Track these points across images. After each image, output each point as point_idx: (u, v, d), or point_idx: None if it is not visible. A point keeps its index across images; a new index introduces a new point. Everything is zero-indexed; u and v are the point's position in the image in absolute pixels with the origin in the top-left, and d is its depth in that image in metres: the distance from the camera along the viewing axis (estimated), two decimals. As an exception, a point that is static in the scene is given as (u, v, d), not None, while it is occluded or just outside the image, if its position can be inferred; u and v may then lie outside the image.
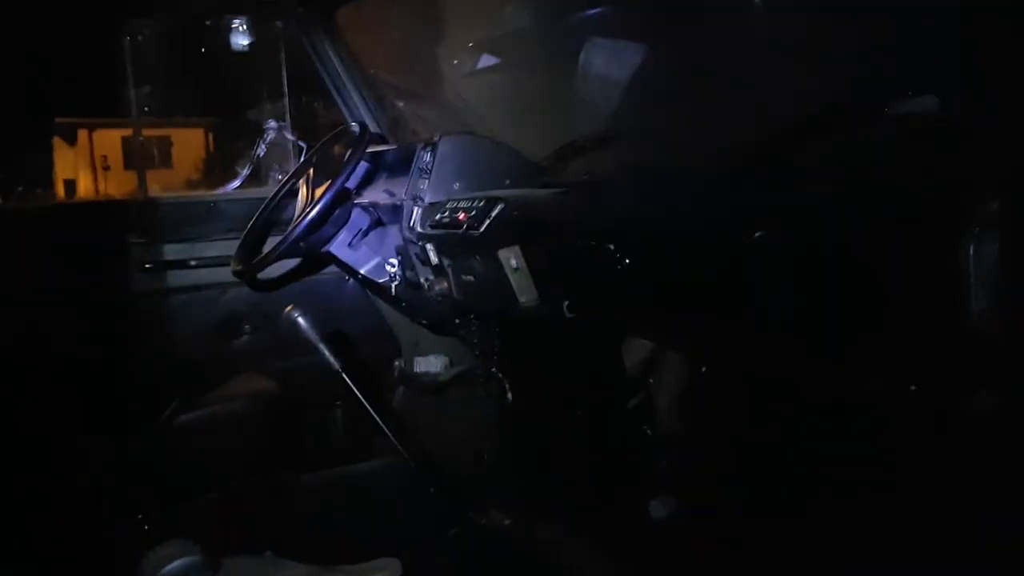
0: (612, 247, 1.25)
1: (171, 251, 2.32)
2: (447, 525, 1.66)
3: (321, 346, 1.68)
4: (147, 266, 2.28)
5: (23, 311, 1.99)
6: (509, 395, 1.92)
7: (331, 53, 2.31)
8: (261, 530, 1.78)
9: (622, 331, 1.44)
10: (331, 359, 1.68)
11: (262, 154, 2.37)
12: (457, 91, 2.43)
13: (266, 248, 2.07)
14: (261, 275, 2.09)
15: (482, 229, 1.48)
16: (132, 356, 2.19)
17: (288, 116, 2.78)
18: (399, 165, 1.95)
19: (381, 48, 2.41)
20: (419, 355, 2.53)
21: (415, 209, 1.75)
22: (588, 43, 1.82)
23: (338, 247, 1.97)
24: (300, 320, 1.69)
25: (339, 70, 2.32)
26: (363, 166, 2.03)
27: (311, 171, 2.08)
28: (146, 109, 2.64)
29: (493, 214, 1.48)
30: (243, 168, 2.68)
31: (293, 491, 1.86)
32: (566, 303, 1.42)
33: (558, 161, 1.73)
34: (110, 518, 1.62)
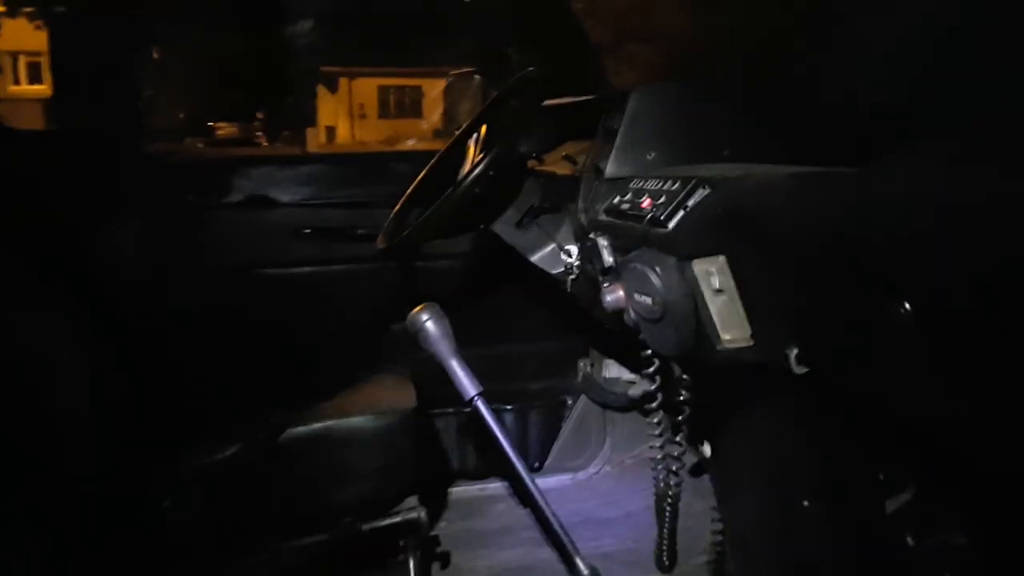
0: (881, 278, 0.71)
1: (332, 216, 2.01)
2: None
3: (453, 364, 1.27)
4: (305, 231, 1.99)
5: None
6: (707, 449, 1.41)
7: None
8: None
9: (885, 409, 0.89)
10: (464, 382, 1.26)
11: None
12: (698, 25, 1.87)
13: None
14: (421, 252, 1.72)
15: (671, 225, 0.98)
16: (260, 339, 1.91)
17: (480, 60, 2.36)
18: (587, 125, 1.48)
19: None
20: (610, 357, 2.08)
21: (594, 184, 1.28)
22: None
23: (503, 226, 1.55)
24: (430, 326, 1.28)
25: None
26: (543, 124, 1.58)
27: (483, 128, 1.66)
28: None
29: (690, 203, 0.97)
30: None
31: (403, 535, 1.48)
32: (794, 352, 0.90)
33: (819, 127, 1.16)
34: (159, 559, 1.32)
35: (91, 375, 1.33)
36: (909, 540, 1.04)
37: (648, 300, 1.00)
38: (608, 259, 1.18)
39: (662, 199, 1.02)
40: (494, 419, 1.28)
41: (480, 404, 1.27)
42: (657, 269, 0.97)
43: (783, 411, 1.04)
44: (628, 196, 1.12)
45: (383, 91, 15.60)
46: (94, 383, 1.32)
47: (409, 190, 1.74)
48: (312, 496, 1.41)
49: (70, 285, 1.41)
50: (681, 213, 0.98)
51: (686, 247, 0.96)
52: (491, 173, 1.41)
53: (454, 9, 2.54)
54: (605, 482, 2.15)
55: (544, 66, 1.99)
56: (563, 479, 2.14)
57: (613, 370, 2.06)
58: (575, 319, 2.03)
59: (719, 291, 0.94)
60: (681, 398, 1.18)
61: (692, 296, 0.97)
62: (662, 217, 0.99)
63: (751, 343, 0.94)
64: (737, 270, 0.92)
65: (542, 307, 2.00)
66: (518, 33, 2.18)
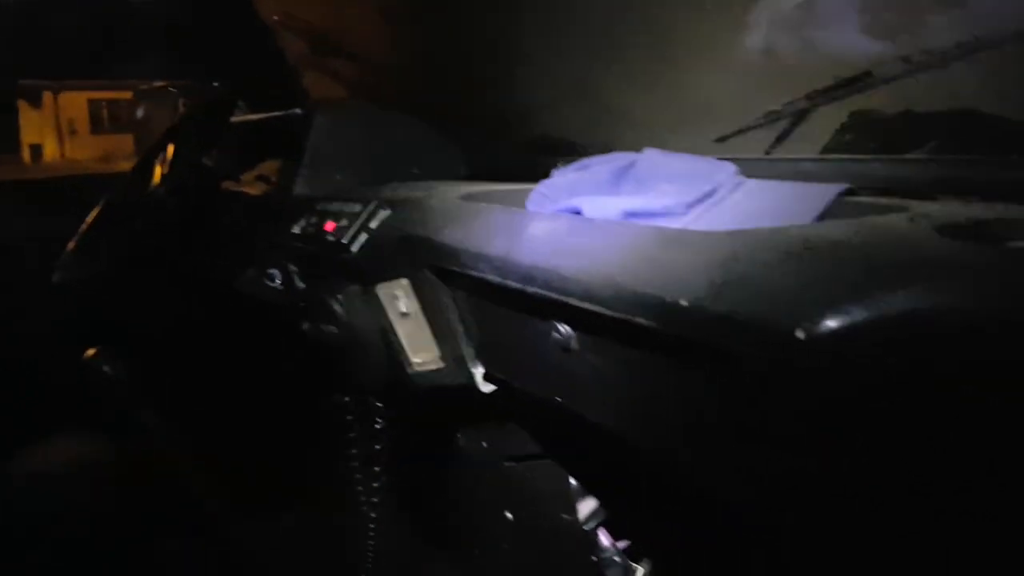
0: (545, 307, 0.72)
1: None
2: None
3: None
4: None
5: None
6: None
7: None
8: None
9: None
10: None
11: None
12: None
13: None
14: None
15: (355, 249, 0.94)
16: None
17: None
18: (280, 144, 1.41)
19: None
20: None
21: (283, 206, 1.21)
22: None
23: (197, 254, 1.44)
24: (107, 370, 1.15)
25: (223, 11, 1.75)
26: (240, 143, 1.49)
27: (172, 146, 1.53)
28: None
29: (373, 225, 0.94)
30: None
31: None
32: (480, 371, 0.89)
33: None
34: None
35: None
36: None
37: (333, 329, 0.95)
38: (301, 285, 1.12)
39: (344, 221, 0.98)
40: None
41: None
42: (339, 297, 0.93)
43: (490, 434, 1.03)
44: (313, 219, 1.07)
45: (95, 105, 14.34)
46: None
47: (90, 217, 1.56)
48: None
49: None
50: (365, 236, 0.94)
51: (371, 271, 0.92)
52: (174, 197, 1.30)
53: (148, 23, 2.35)
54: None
55: (243, 80, 1.88)
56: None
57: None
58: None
59: (405, 314, 0.92)
60: (377, 426, 1.14)
61: (379, 322, 0.93)
62: (344, 240, 0.95)
63: (441, 365, 0.93)
64: (421, 293, 0.90)
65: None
66: (214, 46, 2.04)
